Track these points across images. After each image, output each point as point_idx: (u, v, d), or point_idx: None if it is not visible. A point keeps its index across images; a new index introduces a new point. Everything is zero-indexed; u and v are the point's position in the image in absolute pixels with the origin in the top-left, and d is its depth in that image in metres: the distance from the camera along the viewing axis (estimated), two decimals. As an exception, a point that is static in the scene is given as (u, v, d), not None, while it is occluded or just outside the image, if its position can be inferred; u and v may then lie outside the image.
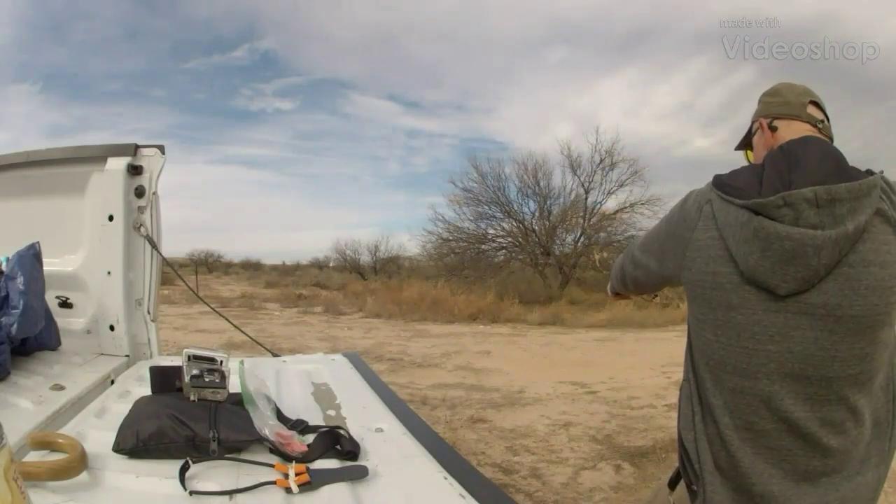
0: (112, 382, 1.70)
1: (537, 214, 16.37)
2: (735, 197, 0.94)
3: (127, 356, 1.96)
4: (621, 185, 15.77)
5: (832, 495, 0.91)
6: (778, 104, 1.06)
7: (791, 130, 1.03)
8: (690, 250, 1.00)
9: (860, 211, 0.86)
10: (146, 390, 1.32)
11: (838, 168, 0.91)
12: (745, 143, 1.19)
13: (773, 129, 1.05)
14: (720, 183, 0.99)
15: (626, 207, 15.67)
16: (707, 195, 1.01)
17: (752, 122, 1.13)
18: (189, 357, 1.24)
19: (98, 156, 1.96)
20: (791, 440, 0.91)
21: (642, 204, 15.39)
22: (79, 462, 0.97)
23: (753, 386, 0.92)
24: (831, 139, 1.04)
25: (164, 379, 1.29)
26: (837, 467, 0.91)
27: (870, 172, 0.91)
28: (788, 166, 0.93)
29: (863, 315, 0.87)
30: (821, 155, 0.94)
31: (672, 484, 1.14)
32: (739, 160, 1.21)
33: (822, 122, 1.04)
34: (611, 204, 16.00)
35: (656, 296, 1.37)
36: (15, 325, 1.59)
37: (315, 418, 1.38)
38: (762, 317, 0.91)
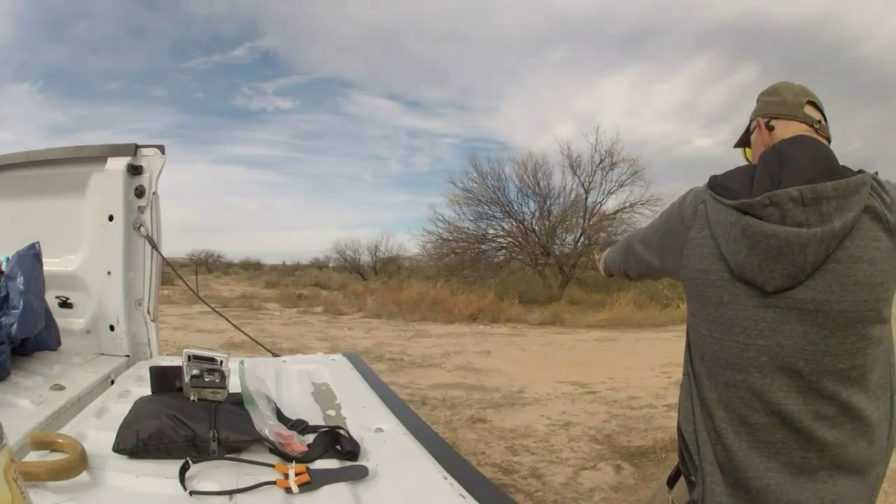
0: (112, 382, 1.70)
1: (537, 214, 16.38)
2: (726, 197, 0.97)
3: (127, 356, 1.96)
4: (621, 185, 15.77)
5: (829, 489, 0.92)
6: (775, 104, 1.07)
7: (787, 130, 1.04)
8: (687, 248, 1.03)
9: (848, 208, 0.87)
10: (146, 390, 1.32)
11: (828, 167, 0.93)
12: (744, 142, 1.21)
13: (770, 129, 1.06)
14: (714, 184, 1.02)
15: (626, 207, 15.67)
16: (702, 195, 1.04)
17: (751, 121, 1.14)
18: (189, 357, 1.24)
19: (98, 156, 1.96)
20: (786, 433, 0.92)
21: (642, 204, 15.39)
22: (79, 462, 0.97)
23: (745, 379, 0.94)
24: (829, 139, 1.05)
25: (164, 379, 1.29)
26: (835, 462, 0.92)
27: (861, 172, 0.92)
28: (779, 165, 0.95)
29: (851, 310, 0.88)
30: (812, 154, 0.96)
31: (671, 482, 1.14)
32: (740, 159, 1.23)
33: (819, 122, 1.05)
34: (611, 204, 16.01)
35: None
36: (15, 325, 1.59)
37: (315, 418, 1.38)
38: (752, 312, 0.93)
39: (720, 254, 0.96)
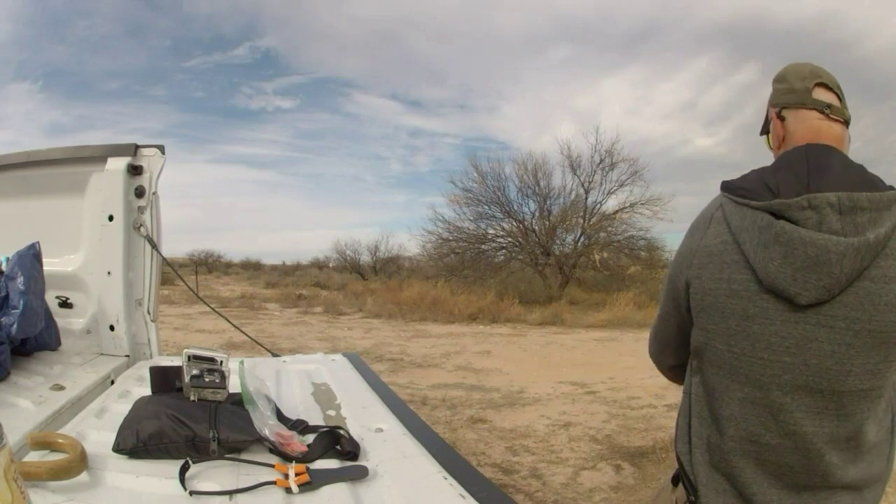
0: (112, 382, 1.70)
1: (537, 214, 16.38)
2: (750, 199, 0.91)
3: (127, 356, 1.97)
4: (621, 185, 15.77)
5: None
6: (784, 91, 1.03)
7: (798, 120, 1.00)
8: (699, 256, 0.97)
9: (880, 223, 0.84)
10: (146, 390, 1.32)
11: (863, 178, 0.89)
12: (765, 129, 1.14)
13: (783, 119, 1.02)
14: (731, 187, 0.96)
15: (626, 207, 15.66)
16: (716, 202, 0.99)
17: (767, 109, 1.10)
18: (189, 357, 1.24)
19: (98, 156, 1.96)
20: (795, 458, 0.90)
21: (642, 204, 15.39)
22: (79, 462, 0.97)
23: (765, 397, 0.90)
24: (846, 121, 1.00)
25: (164, 379, 1.29)
26: (837, 483, 0.91)
27: (892, 188, 0.88)
28: (809, 171, 0.90)
29: (879, 331, 0.85)
30: (844, 163, 0.92)
31: (675, 480, 1.13)
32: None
33: (829, 106, 0.98)
34: (611, 204, 16.00)
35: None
36: (15, 325, 1.59)
37: (315, 418, 1.38)
38: (780, 328, 0.88)
39: (746, 261, 0.89)
